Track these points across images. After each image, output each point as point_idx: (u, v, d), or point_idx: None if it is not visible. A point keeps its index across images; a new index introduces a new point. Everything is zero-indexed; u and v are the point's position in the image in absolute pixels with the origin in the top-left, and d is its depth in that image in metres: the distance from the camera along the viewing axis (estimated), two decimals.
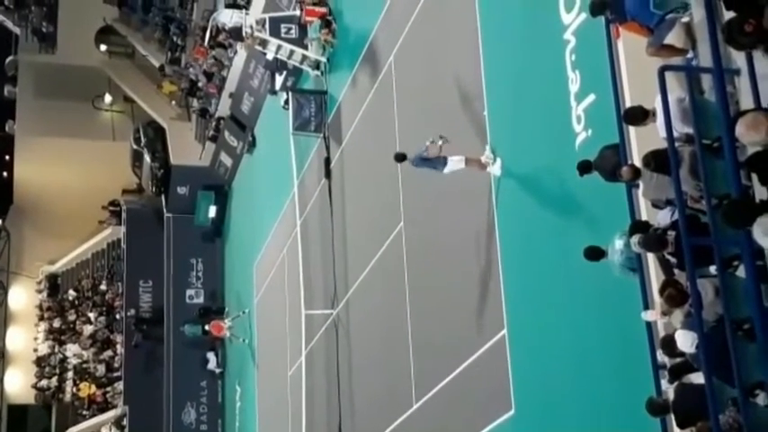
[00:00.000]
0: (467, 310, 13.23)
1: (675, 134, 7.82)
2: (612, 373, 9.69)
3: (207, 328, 26.85)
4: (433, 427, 14.10)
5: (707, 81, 8.05)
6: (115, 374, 32.28)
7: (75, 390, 34.06)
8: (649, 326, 8.51)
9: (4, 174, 37.29)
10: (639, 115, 8.23)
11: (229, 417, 27.54)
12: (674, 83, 8.18)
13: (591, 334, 10.12)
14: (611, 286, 9.38)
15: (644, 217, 8.70)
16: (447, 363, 13.50)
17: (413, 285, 15.14)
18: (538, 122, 11.66)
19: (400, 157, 13.17)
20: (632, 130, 8.82)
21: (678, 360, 7.95)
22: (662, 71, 7.90)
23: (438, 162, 12.49)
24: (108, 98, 36.50)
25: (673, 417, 7.96)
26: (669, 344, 7.79)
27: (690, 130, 7.84)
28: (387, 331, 16.18)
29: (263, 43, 20.56)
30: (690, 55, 8.33)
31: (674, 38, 8.32)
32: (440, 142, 12.44)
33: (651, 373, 8.33)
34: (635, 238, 8.00)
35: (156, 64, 32.51)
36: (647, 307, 8.51)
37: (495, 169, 12.40)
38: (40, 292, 38.01)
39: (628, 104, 8.90)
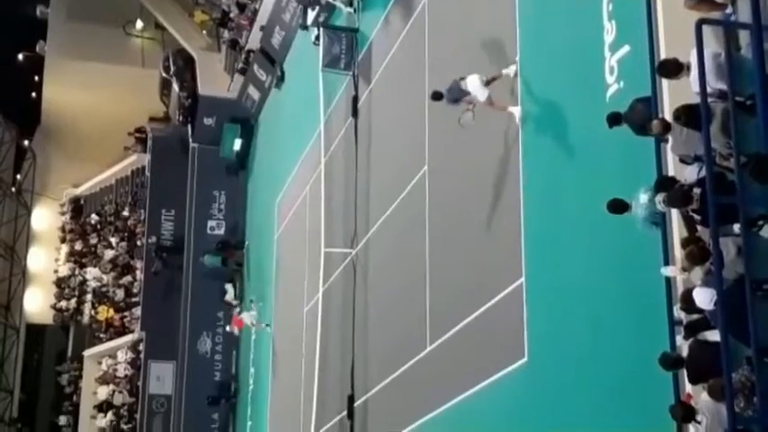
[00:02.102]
0: (486, 256, 13.25)
1: (709, 89, 7.74)
2: (628, 327, 9.71)
3: (228, 329, 27.14)
4: (445, 370, 14.21)
5: (744, 37, 7.95)
6: (133, 300, 32.65)
7: (93, 312, 34.50)
8: (668, 281, 8.52)
9: (33, 95, 37.40)
10: (674, 68, 8.14)
11: (244, 348, 27.84)
12: (711, 38, 8.07)
13: (609, 287, 10.12)
14: (632, 240, 9.35)
15: (671, 173, 8.66)
16: (463, 307, 13.56)
17: (433, 229, 15.16)
18: (570, 71, 11.56)
19: (437, 96, 13.05)
20: (665, 83, 8.75)
21: (695, 317, 7.96)
22: (699, 25, 7.80)
23: (460, 87, 12.54)
24: (139, 24, 36.45)
25: (685, 372, 7.99)
26: (688, 299, 7.79)
27: (723, 87, 7.76)
28: (404, 273, 16.24)
29: None
30: (729, 10, 8.21)
31: None
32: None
33: (667, 328, 8.34)
34: (659, 197, 7.97)
35: None
36: (667, 262, 8.52)
37: (515, 111, 12.42)
38: (63, 214, 38.36)
39: (662, 57, 8.81)
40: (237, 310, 27.34)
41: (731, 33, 7.99)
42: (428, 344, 14.69)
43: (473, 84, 12.35)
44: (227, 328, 27.39)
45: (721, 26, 8.06)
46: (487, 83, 12.43)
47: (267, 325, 25.28)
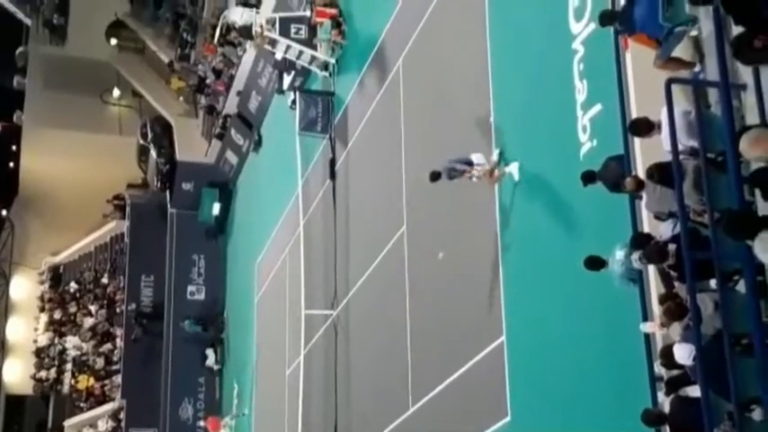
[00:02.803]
0: (466, 315, 13.23)
1: (680, 147, 7.82)
2: (609, 384, 9.68)
3: (203, 424, 26.73)
4: (428, 431, 14.09)
5: (713, 95, 8.05)
6: (114, 367, 32.26)
7: (73, 382, 34.06)
8: (648, 337, 8.51)
9: (11, 164, 37.32)
10: (645, 127, 8.23)
11: (226, 413, 27.51)
12: (681, 96, 8.18)
13: (589, 344, 10.12)
14: (610, 297, 9.36)
15: (646, 229, 8.70)
16: (444, 367, 13.49)
17: (413, 289, 15.15)
18: (544, 131, 11.66)
19: (435, 176, 12.60)
20: (637, 141, 8.83)
21: (675, 372, 7.95)
22: (669, 84, 7.91)
23: (464, 160, 12.42)
24: (116, 92, 36.53)
25: (668, 429, 7.95)
26: (667, 355, 7.79)
27: (695, 144, 7.84)
28: (385, 334, 16.18)
29: (273, 42, 20.58)
30: (697, 68, 8.33)
31: (681, 51, 8.33)
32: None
33: (648, 384, 8.32)
34: (636, 254, 8.00)
35: (166, 60, 32.55)
36: (645, 318, 8.52)
37: (513, 170, 12.28)
38: (42, 283, 38.03)
39: (634, 116, 8.91)
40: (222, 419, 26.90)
41: (700, 91, 8.10)
42: (411, 405, 14.60)
43: (479, 156, 12.31)
44: (201, 423, 26.96)
45: (690, 84, 8.17)
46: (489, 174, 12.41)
47: (244, 414, 25.07)
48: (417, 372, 14.65)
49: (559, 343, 10.74)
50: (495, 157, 12.53)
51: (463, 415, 13.02)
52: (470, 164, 12.31)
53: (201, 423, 26.98)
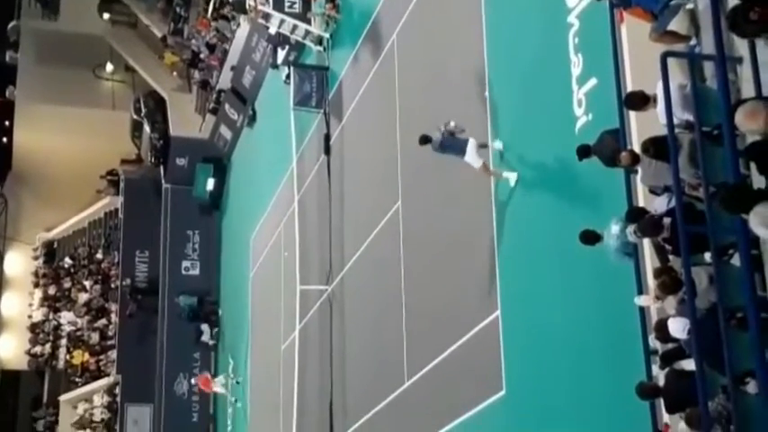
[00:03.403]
0: (461, 290, 13.26)
1: (675, 121, 7.82)
2: (604, 357, 9.72)
3: (194, 381, 26.77)
4: (423, 405, 14.15)
5: (709, 68, 8.04)
6: (109, 343, 32.33)
7: (68, 357, 34.12)
8: (642, 311, 8.54)
9: (4, 140, 37.20)
10: (640, 101, 8.22)
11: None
12: (676, 69, 8.17)
13: (584, 318, 10.15)
14: (605, 270, 9.39)
15: (641, 203, 8.72)
16: (440, 341, 13.53)
17: (408, 263, 15.16)
18: (539, 105, 11.64)
19: (424, 140, 12.55)
20: (633, 115, 8.83)
21: (670, 346, 7.98)
22: (664, 57, 7.89)
23: (458, 146, 12.16)
24: (109, 67, 36.38)
25: (662, 402, 7.99)
26: (662, 329, 7.82)
27: (690, 117, 7.84)
28: (380, 308, 16.21)
29: (267, 17, 20.49)
30: (693, 42, 8.31)
31: (677, 24, 8.31)
32: (452, 123, 12.22)
33: (643, 357, 8.36)
34: (631, 228, 8.02)
35: (159, 34, 32.39)
36: (640, 292, 8.55)
37: (511, 177, 12.12)
38: (36, 258, 37.99)
39: (629, 89, 8.89)
40: (209, 373, 26.96)
41: (696, 65, 8.09)
42: (406, 379, 14.65)
43: (471, 152, 12.04)
44: (193, 381, 27.03)
45: (686, 58, 8.15)
46: (481, 146, 12.23)
47: (238, 382, 25.20)
48: (412, 346, 14.69)
49: (554, 317, 10.78)
50: (496, 146, 12.40)
51: (458, 389, 13.08)
52: (462, 152, 12.11)
53: (193, 380, 26.90)
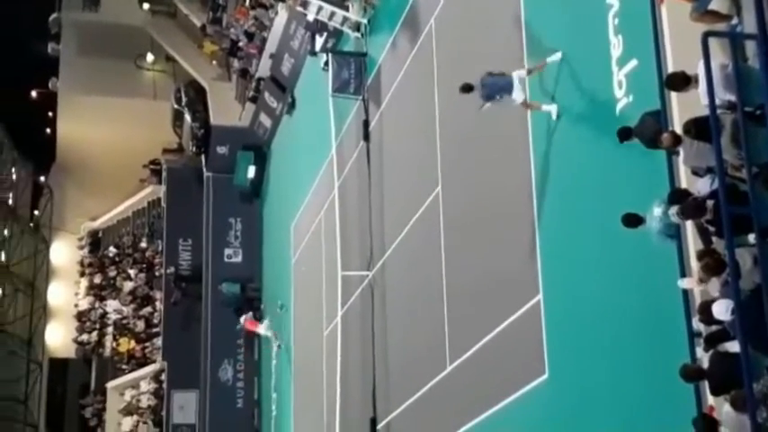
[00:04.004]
0: (502, 274, 13.23)
1: (717, 101, 7.75)
2: (648, 340, 9.66)
3: (241, 321, 26.81)
4: (466, 390, 14.17)
5: (751, 48, 7.95)
6: (154, 330, 32.67)
7: (114, 344, 34.53)
8: (686, 293, 8.48)
9: (48, 131, 37.61)
10: (681, 81, 8.15)
11: (265, 374, 27.81)
12: (718, 49, 8.09)
13: (627, 300, 10.09)
14: (648, 253, 9.33)
15: (683, 184, 8.64)
16: (481, 326, 13.53)
17: (449, 248, 15.15)
18: (579, 88, 11.56)
19: (467, 88, 12.25)
20: (674, 96, 8.74)
21: (714, 328, 7.92)
22: (705, 37, 7.81)
23: (504, 85, 11.92)
24: (150, 57, 36.63)
25: (707, 384, 7.94)
26: (706, 311, 7.76)
27: (732, 98, 7.76)
28: (422, 294, 16.22)
29: (305, 4, 20.51)
30: (734, 21, 8.22)
31: (718, 3, 8.22)
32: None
33: (686, 340, 8.30)
34: (673, 209, 7.96)
35: (198, 24, 32.57)
36: (683, 274, 8.50)
37: (555, 58, 11.99)
38: (81, 248, 38.46)
39: (670, 70, 8.81)
40: (251, 314, 27.17)
41: (738, 44, 8.00)
42: (448, 364, 14.66)
43: (516, 86, 11.87)
44: (238, 326, 27.09)
45: (728, 37, 8.06)
46: (529, 72, 12.13)
47: (279, 346, 25.38)
48: (454, 331, 14.70)
49: (597, 300, 10.73)
50: (553, 59, 12.10)
51: (501, 373, 13.07)
52: (509, 90, 11.92)
53: (242, 319, 26.89)
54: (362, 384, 18.70)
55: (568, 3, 11.96)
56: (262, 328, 26.31)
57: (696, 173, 8.35)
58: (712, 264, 7.57)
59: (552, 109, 12.05)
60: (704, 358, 8.08)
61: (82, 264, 38.18)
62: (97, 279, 37.00)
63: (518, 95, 11.97)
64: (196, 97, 31.69)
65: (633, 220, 8.71)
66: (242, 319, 26.80)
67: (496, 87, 12.00)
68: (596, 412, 10.68)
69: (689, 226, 8.37)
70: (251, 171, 29.46)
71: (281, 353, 25.80)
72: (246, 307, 28.10)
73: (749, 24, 7.88)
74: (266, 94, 27.58)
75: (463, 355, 14.13)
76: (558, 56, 12.01)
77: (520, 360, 12.53)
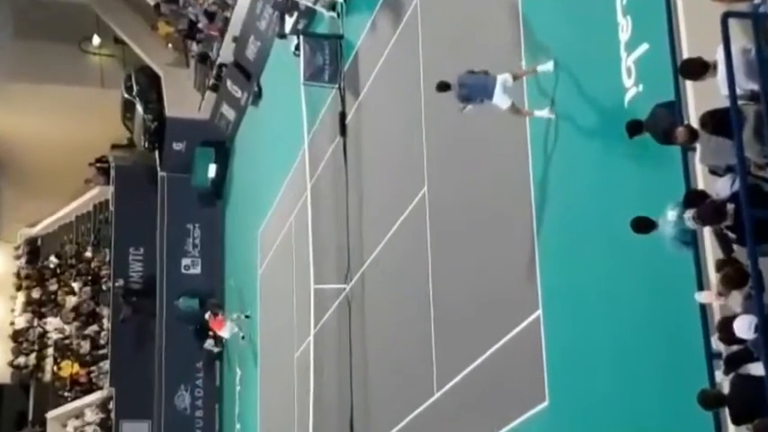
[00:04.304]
0: (497, 287, 13.26)
1: (739, 91, 7.78)
2: (660, 362, 9.69)
3: (207, 316, 26.90)
4: (456, 418, 14.17)
5: None
6: (101, 352, 32.50)
7: (55, 368, 34.34)
8: (704, 309, 8.51)
9: None
10: (698, 68, 8.18)
11: (228, 402, 27.77)
12: (739, 32, 8.11)
13: (637, 316, 10.12)
14: (661, 263, 9.37)
15: (700, 185, 8.68)
16: (473, 346, 13.54)
17: (437, 258, 15.16)
18: (583, 75, 11.60)
19: (443, 87, 12.30)
20: (689, 85, 8.78)
21: (735, 348, 7.94)
22: (725, 18, 7.84)
23: (484, 86, 11.87)
24: (96, 40, 36.48)
25: (728, 411, 7.96)
26: (726, 328, 7.78)
27: (755, 87, 7.79)
28: (406, 310, 16.23)
29: None
30: (757, 0, 8.25)
31: None
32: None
33: (704, 361, 8.33)
34: (689, 213, 7.98)
35: (152, 2, 32.47)
36: (701, 287, 8.52)
37: (547, 66, 12.06)
38: (18, 258, 38.23)
39: (685, 56, 8.85)
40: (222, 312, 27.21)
41: (761, 26, 8.03)
42: (436, 389, 14.67)
43: (499, 92, 11.80)
44: (206, 316, 27.06)
45: (750, 18, 8.09)
46: (515, 78, 12.05)
47: (243, 337, 25.68)
48: (443, 352, 14.70)
49: (603, 317, 10.75)
50: (543, 68, 12.17)
51: (495, 400, 13.09)
52: (489, 95, 11.84)
53: (207, 315, 26.99)
54: (339, 413, 18.68)
55: None
56: (226, 330, 26.27)
57: (714, 172, 8.38)
58: (733, 275, 7.60)
59: (546, 114, 12.05)
60: (725, 382, 8.11)
61: (18, 276, 37.95)
62: (36, 293, 36.79)
63: (501, 101, 11.89)
64: (149, 85, 31.62)
65: (644, 226, 8.72)
66: (207, 315, 26.80)
67: (476, 89, 11.95)
68: None
69: (706, 232, 8.40)
70: (212, 170, 29.43)
71: (245, 378, 25.76)
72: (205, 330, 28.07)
73: None
74: (229, 83, 27.55)
75: (453, 380, 14.13)
76: (550, 65, 12.04)
77: (517, 385, 12.55)
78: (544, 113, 12.11)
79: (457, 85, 12.08)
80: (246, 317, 25.77)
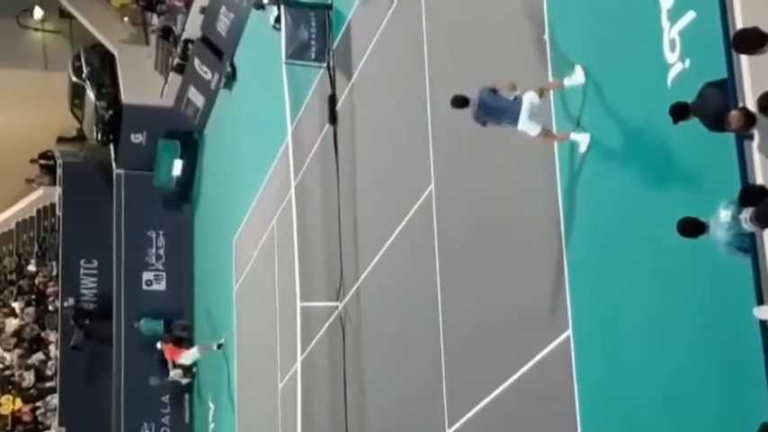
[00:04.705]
0: (518, 303, 13.27)
1: None
2: (711, 389, 9.69)
3: (159, 346, 26.95)
4: None
5: None
6: (47, 385, 32.52)
7: None
8: (764, 325, 8.51)
9: None
10: (755, 40, 8.19)
11: None
12: None
13: (684, 336, 10.12)
14: (713, 273, 9.37)
15: (759, 180, 8.67)
16: (491, 374, 13.55)
17: (446, 270, 15.17)
18: (617, 49, 11.60)
19: (460, 102, 12.23)
20: (744, 60, 8.77)
21: None
22: None
23: (509, 109, 11.84)
24: (38, 13, 36.56)
25: None
26: None
27: None
28: (410, 331, 16.25)
29: None
30: None
31: None
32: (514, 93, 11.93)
33: (765, 388, 8.33)
34: (746, 213, 7.99)
35: None
36: (761, 301, 8.51)
37: (576, 79, 12.11)
38: None
39: (739, 26, 8.84)
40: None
41: None
42: (447, 425, 14.68)
43: (524, 117, 11.72)
44: (158, 345, 27.13)
45: None
46: (541, 94, 11.96)
47: (219, 345, 25.82)
48: (455, 381, 14.72)
49: (644, 338, 10.75)
50: (571, 82, 12.27)
51: None
52: (514, 120, 11.81)
53: (159, 345, 27.14)
54: None
55: None
56: (187, 357, 26.30)
57: None
58: None
59: (583, 140, 12.01)
60: None
61: None
62: None
63: (529, 128, 11.84)
64: (102, 67, 31.65)
65: (692, 229, 8.72)
66: (158, 344, 26.79)
67: (497, 112, 11.92)
68: None
69: (767, 236, 8.41)
70: (177, 166, 29.48)
71: (219, 413, 25.77)
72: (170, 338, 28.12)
73: None
74: (197, 62, 27.57)
75: (467, 414, 14.15)
76: (580, 77, 12.03)
77: (543, 418, 12.56)
78: (581, 138, 12.04)
79: (476, 104, 11.99)
80: (219, 347, 25.74)
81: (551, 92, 12.42)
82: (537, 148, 12.77)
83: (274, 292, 22.33)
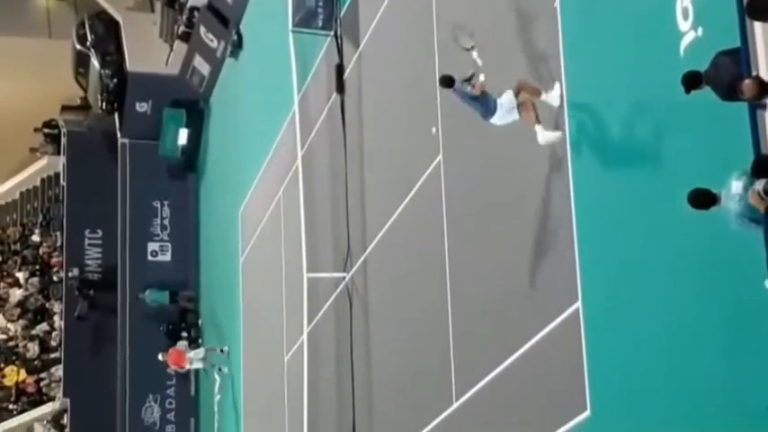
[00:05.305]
0: (526, 275, 13.27)
1: None
2: (723, 366, 9.68)
3: (161, 357, 27.00)
4: None
5: None
6: (52, 356, 32.61)
7: None
8: None
9: None
10: None
11: (205, 415, 27.88)
12: None
13: (693, 311, 10.11)
14: (724, 246, 9.35)
15: None
16: (499, 347, 13.57)
17: (454, 241, 15.17)
18: (628, 17, 11.56)
19: (447, 81, 12.94)
20: (758, 28, 8.73)
21: None
22: None
23: (483, 104, 12.56)
24: None
25: None
26: None
27: None
28: (418, 303, 16.25)
29: None
30: None
31: None
32: (481, 78, 12.52)
33: None
34: (759, 184, 7.95)
35: None
36: None
37: (553, 97, 12.54)
38: None
39: None
40: (185, 344, 27.37)
41: None
42: (455, 398, 14.71)
43: (501, 112, 12.48)
44: (160, 357, 27.18)
45: None
46: (517, 94, 12.51)
47: (222, 350, 25.71)
48: (463, 354, 14.73)
49: (653, 311, 10.75)
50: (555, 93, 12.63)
51: (527, 410, 13.12)
52: (492, 111, 12.51)
53: (160, 357, 27.17)
54: (338, 427, 18.73)
55: None
56: (194, 361, 26.36)
57: None
58: None
59: (553, 96, 12.51)
60: None
61: None
62: None
63: (504, 121, 12.54)
64: (106, 34, 31.61)
65: (704, 200, 8.69)
66: (160, 356, 26.85)
67: (474, 104, 12.68)
68: None
69: None
70: (183, 136, 29.47)
71: (225, 386, 25.84)
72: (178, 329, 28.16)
73: None
74: (202, 30, 27.53)
75: (475, 386, 14.17)
76: (556, 93, 12.48)
77: (552, 392, 12.58)
78: (551, 97, 12.51)
79: (456, 92, 12.79)
80: (221, 351, 25.76)
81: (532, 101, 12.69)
82: (546, 116, 12.75)
83: (281, 264, 22.34)
